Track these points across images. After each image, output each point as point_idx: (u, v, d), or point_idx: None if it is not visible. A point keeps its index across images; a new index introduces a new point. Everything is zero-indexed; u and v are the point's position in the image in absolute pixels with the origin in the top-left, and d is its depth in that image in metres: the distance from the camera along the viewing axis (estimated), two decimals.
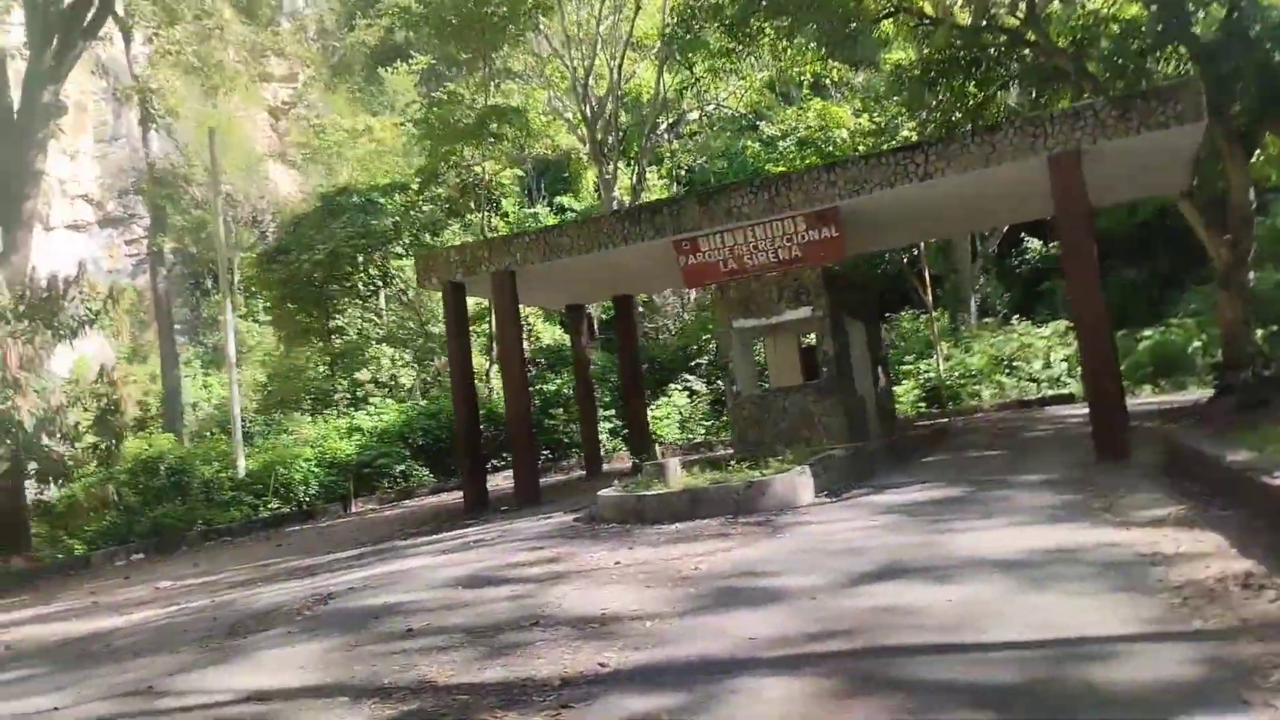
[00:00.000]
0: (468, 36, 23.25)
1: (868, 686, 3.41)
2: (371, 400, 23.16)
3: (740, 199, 11.64)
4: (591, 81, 24.57)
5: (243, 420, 20.85)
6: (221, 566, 10.67)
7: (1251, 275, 12.95)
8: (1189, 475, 7.32)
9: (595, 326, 25.54)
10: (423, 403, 22.65)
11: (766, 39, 17.18)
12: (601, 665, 4.08)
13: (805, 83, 27.04)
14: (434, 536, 10.17)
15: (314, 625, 5.69)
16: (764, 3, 15.56)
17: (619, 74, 24.12)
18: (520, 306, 14.98)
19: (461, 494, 13.99)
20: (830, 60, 21.72)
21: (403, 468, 19.27)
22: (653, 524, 8.21)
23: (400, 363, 25.41)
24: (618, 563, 6.48)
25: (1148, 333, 20.85)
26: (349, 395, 24.49)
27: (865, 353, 13.58)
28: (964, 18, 15.48)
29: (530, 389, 20.34)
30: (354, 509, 17.39)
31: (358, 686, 4.23)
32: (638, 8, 23.58)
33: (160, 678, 4.92)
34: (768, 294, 11.99)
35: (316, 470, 17.97)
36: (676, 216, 12.05)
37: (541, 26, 23.83)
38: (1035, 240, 26.78)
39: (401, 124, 32.24)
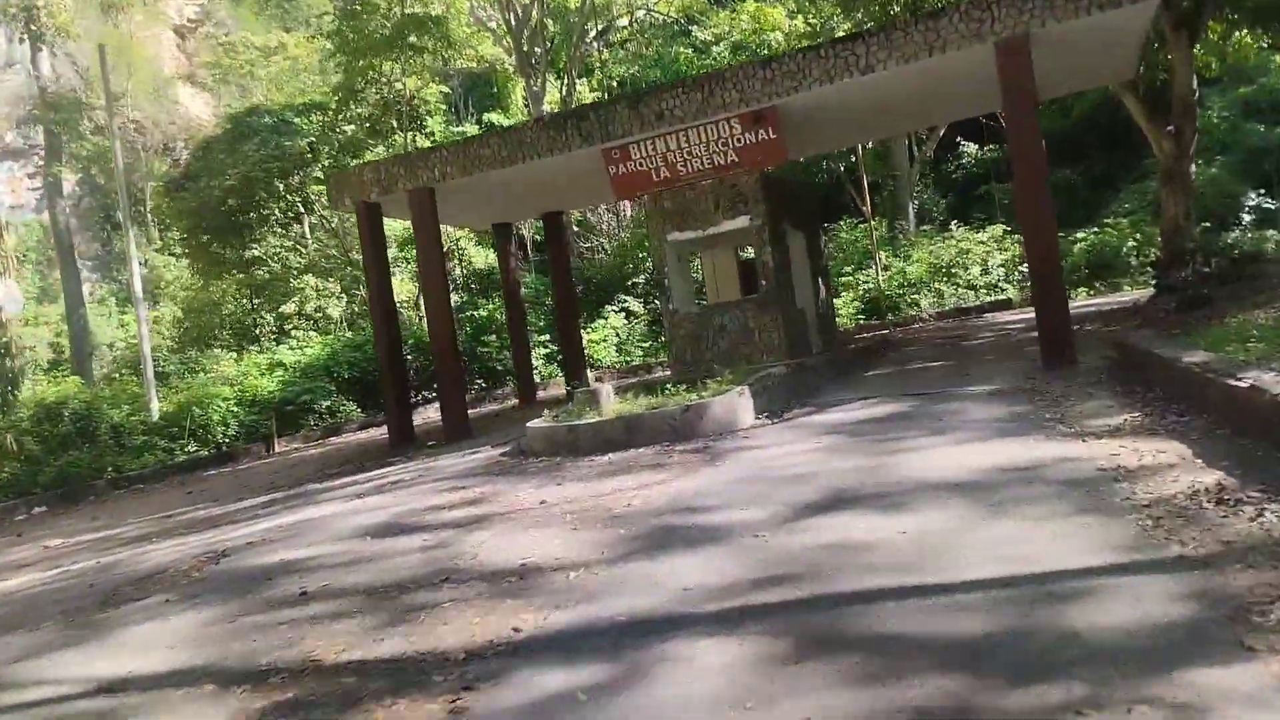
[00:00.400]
0: None
1: (820, 646, 2.93)
2: (295, 334, 22.11)
3: (672, 101, 10.90)
4: None
5: (158, 360, 19.73)
6: (123, 519, 9.91)
7: (1193, 169, 12.69)
8: (1140, 379, 7.02)
9: (526, 247, 24.68)
10: (348, 334, 21.68)
11: None
12: (515, 630, 3.55)
13: None
14: (353, 478, 9.54)
15: (198, 590, 5.06)
16: None
17: None
18: (445, 228, 14.13)
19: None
20: None
21: (329, 403, 18.43)
22: (585, 455, 7.70)
23: (325, 293, 24.28)
24: (543, 502, 5.95)
25: (1082, 234, 20.74)
26: (274, 330, 23.38)
27: (806, 263, 13.09)
28: None
29: (460, 315, 19.57)
30: (277, 449, 16.58)
31: (230, 670, 3.64)
32: None
33: (6, 665, 4.27)
34: (703, 204, 11.38)
35: (236, 409, 17.07)
36: (605, 122, 11.27)
37: None
38: (971, 144, 26.46)
39: (314, 38, 30.34)
